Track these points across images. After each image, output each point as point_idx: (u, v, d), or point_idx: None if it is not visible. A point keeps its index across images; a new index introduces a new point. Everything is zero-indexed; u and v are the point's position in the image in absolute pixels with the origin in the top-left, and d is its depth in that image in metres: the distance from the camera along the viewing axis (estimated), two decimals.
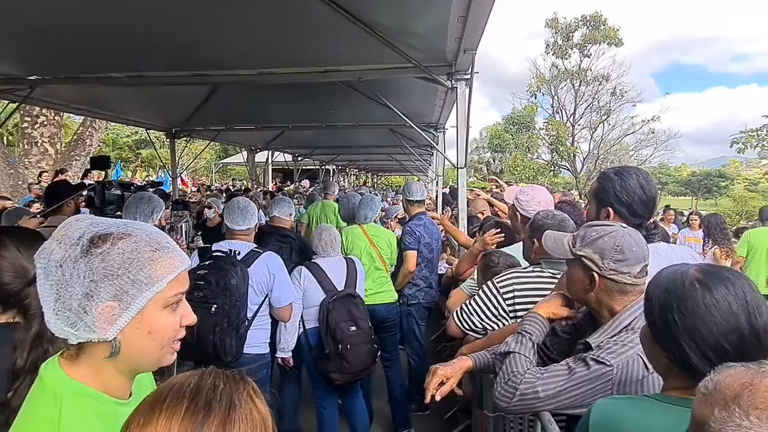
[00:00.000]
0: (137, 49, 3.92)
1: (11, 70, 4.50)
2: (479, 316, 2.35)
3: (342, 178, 25.10)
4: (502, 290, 2.33)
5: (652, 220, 1.97)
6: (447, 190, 9.51)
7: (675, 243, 6.80)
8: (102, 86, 4.98)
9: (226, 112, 7.10)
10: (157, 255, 0.99)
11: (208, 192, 12.90)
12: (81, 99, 6.03)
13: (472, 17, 2.96)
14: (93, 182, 5.22)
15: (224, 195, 11.42)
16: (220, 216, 6.38)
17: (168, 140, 8.33)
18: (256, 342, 3.16)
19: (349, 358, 3.41)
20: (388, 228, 5.87)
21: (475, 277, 3.04)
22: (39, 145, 11.46)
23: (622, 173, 2.01)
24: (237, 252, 3.11)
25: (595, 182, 2.09)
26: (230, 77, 4.60)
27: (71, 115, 12.17)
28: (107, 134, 28.53)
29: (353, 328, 3.46)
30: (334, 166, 21.58)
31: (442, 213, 5.42)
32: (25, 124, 11.48)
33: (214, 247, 3.20)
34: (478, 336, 2.37)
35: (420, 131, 5.67)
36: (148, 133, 9.12)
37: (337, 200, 6.75)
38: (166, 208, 3.67)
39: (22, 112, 10.75)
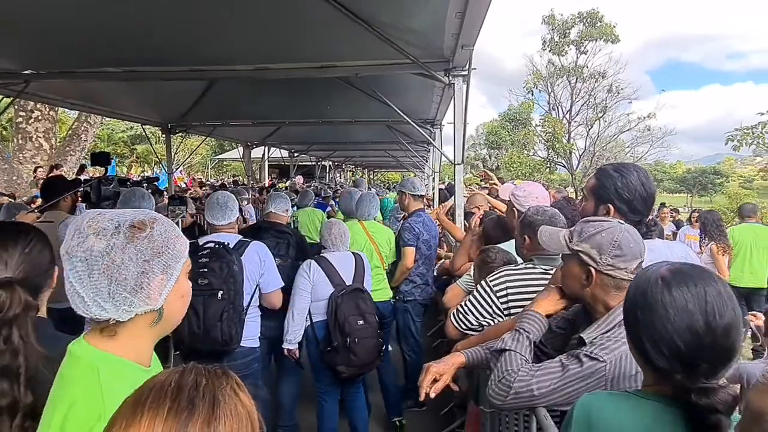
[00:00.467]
0: (133, 44, 3.90)
1: (6, 65, 4.47)
2: (474, 316, 2.36)
3: (338, 174, 25.07)
4: (495, 288, 2.34)
5: (650, 217, 1.98)
6: (443, 187, 9.51)
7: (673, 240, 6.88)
8: (98, 81, 4.95)
9: (223, 107, 7.07)
10: (178, 232, 1.18)
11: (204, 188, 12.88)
12: (76, 94, 6.00)
13: (470, 13, 2.96)
14: (89, 177, 5.21)
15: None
16: (192, 216, 6.38)
17: (163, 136, 8.29)
18: (249, 335, 3.20)
19: (356, 351, 3.45)
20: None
21: (471, 272, 3.05)
22: (34, 140, 11.41)
23: (622, 170, 2.01)
24: (227, 243, 3.15)
25: (593, 179, 2.08)
26: (227, 73, 4.58)
27: (66, 110, 12.11)
28: (102, 129, 28.41)
29: (361, 322, 3.50)
30: (331, 162, 21.54)
31: (438, 207, 5.41)
32: (20, 119, 11.43)
33: (203, 240, 3.22)
34: (477, 332, 2.38)
35: (417, 127, 5.66)
36: (143, 129, 9.07)
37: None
38: (158, 204, 3.67)
39: (16, 106, 10.70)
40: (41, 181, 7.44)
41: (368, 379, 4.27)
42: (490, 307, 2.34)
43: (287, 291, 3.58)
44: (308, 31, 3.67)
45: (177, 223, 5.25)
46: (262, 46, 4.00)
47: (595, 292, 1.61)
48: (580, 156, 34.87)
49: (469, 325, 2.38)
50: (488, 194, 5.64)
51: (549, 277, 2.27)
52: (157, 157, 13.34)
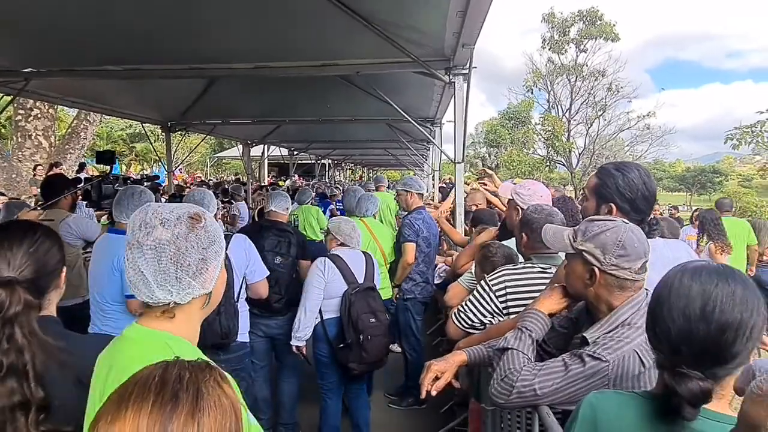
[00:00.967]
0: (134, 43, 3.89)
1: (6, 63, 4.47)
2: (475, 314, 2.37)
3: (338, 173, 25.06)
4: (494, 288, 2.35)
5: (652, 216, 1.97)
6: (444, 185, 9.52)
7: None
8: (97, 79, 4.94)
9: (223, 105, 7.06)
10: (218, 224, 1.31)
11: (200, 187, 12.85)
12: (76, 92, 5.99)
13: (471, 12, 2.96)
14: (89, 176, 5.20)
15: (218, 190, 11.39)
16: None
17: (163, 134, 8.28)
18: (241, 329, 3.22)
19: (368, 348, 3.48)
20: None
21: (473, 270, 3.06)
22: (33, 138, 11.38)
23: (624, 169, 2.00)
24: None
25: (594, 178, 2.07)
26: (227, 71, 4.57)
27: (65, 108, 12.09)
28: (101, 127, 28.37)
29: (373, 320, 3.52)
30: (330, 161, 21.53)
31: (439, 209, 5.43)
32: (19, 117, 11.40)
33: None
34: (478, 330, 2.39)
35: (417, 126, 5.67)
36: (143, 127, 9.06)
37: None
38: (157, 202, 3.66)
39: (15, 104, 10.67)
40: (40, 179, 7.43)
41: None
42: (490, 305, 2.34)
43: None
44: (308, 30, 3.67)
45: None
46: (262, 44, 4.00)
47: (599, 292, 1.61)
48: (580, 154, 34.88)
49: (471, 324, 2.38)
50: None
51: (548, 275, 2.27)
52: (157, 155, 13.34)
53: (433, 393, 1.90)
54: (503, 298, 2.33)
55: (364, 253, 3.83)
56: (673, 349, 1.15)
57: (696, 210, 9.07)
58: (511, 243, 2.94)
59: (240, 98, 6.63)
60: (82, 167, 11.84)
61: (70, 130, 12.78)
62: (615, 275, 1.57)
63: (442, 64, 4.10)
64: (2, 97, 5.43)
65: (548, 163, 36.64)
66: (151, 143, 12.05)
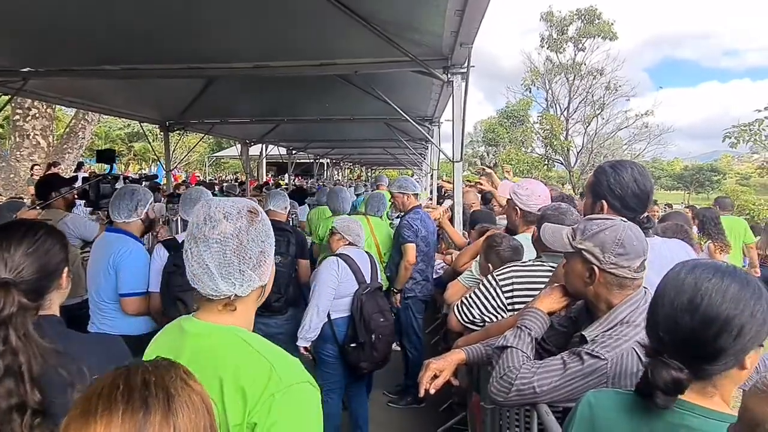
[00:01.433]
0: (132, 42, 3.89)
1: (4, 62, 4.46)
2: (479, 309, 2.37)
3: (336, 172, 25.06)
4: (501, 283, 2.35)
5: (645, 214, 1.98)
6: (441, 183, 9.52)
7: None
8: (96, 79, 4.93)
9: (221, 105, 7.05)
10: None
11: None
12: (74, 91, 5.98)
13: (469, 11, 2.96)
14: (86, 175, 5.19)
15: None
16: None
17: (161, 133, 8.27)
18: None
19: (378, 347, 3.50)
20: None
21: (473, 270, 3.06)
22: (31, 137, 11.37)
23: (617, 167, 2.03)
24: None
25: (591, 176, 2.10)
26: (225, 70, 4.57)
27: (63, 107, 12.07)
28: (100, 127, 28.33)
29: (382, 320, 3.54)
30: (329, 160, 21.52)
31: (439, 208, 5.44)
32: (17, 117, 11.39)
33: (182, 237, 3.22)
34: (477, 328, 2.39)
35: (415, 125, 5.67)
36: (141, 126, 9.05)
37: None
38: (156, 201, 3.66)
39: (13, 104, 10.66)
40: (38, 179, 7.42)
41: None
42: (495, 300, 2.35)
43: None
44: (307, 29, 3.67)
45: (177, 221, 5.29)
46: (261, 43, 3.99)
47: (598, 291, 1.61)
48: (578, 153, 34.94)
49: (472, 318, 2.39)
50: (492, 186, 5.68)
51: None
52: (155, 154, 13.32)
53: (432, 391, 1.91)
54: (509, 294, 2.34)
55: (367, 252, 3.84)
56: (658, 337, 1.16)
57: (688, 208, 9.03)
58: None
59: (238, 97, 6.62)
60: (80, 167, 11.83)
61: (68, 129, 12.76)
62: (614, 274, 1.57)
63: (440, 63, 4.10)
64: (0, 96, 5.41)
65: (546, 162, 36.67)
66: (149, 142, 12.03)
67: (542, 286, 2.18)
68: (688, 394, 1.13)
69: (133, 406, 0.74)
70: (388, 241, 4.79)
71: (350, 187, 14.30)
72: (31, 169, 10.51)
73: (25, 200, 7.37)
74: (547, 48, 34.86)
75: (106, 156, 4.75)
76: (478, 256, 3.04)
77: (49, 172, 8.91)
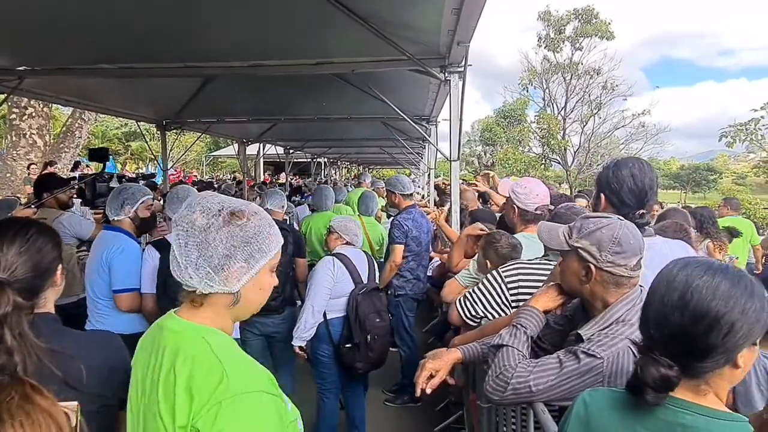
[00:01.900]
0: (129, 41, 3.87)
1: (0, 61, 4.44)
2: (482, 305, 2.37)
3: (334, 171, 25.03)
4: (507, 280, 2.35)
5: (641, 211, 1.99)
6: (438, 181, 9.52)
7: None
8: (92, 78, 4.92)
9: (218, 104, 7.03)
10: (272, 231, 1.29)
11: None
12: (71, 90, 5.95)
13: (466, 10, 2.95)
14: (83, 174, 5.17)
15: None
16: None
17: (158, 132, 8.25)
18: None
19: (374, 348, 3.49)
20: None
21: (470, 268, 3.06)
22: (27, 137, 11.34)
23: (619, 162, 2.07)
24: None
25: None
26: (222, 69, 4.56)
27: (60, 106, 12.04)
28: (96, 126, 28.25)
29: (378, 320, 3.53)
30: (326, 159, 21.50)
31: (437, 209, 5.46)
32: (13, 116, 11.35)
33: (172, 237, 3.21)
34: (476, 324, 2.40)
35: (412, 124, 5.66)
36: (138, 125, 9.02)
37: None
38: (154, 199, 3.65)
39: (9, 103, 10.63)
40: (35, 178, 7.40)
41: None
42: (499, 297, 2.35)
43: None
44: (304, 28, 3.66)
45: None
46: (258, 42, 3.98)
47: (594, 289, 1.61)
48: (575, 152, 34.95)
49: (474, 314, 2.39)
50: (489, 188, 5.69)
51: None
52: (152, 154, 13.29)
53: (428, 391, 1.91)
54: (515, 291, 2.34)
55: (365, 252, 3.83)
56: (649, 334, 1.16)
57: (685, 208, 9.01)
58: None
59: (235, 97, 6.61)
60: (76, 166, 11.79)
61: (64, 128, 12.72)
62: (611, 272, 1.57)
63: (438, 61, 4.10)
64: None
65: (543, 161, 36.69)
66: (146, 142, 12.01)
67: None
68: (682, 392, 1.13)
69: None
70: (381, 240, 4.82)
71: (345, 186, 14.31)
72: (28, 168, 10.48)
73: (21, 199, 7.35)
74: (545, 47, 34.88)
75: (99, 154, 4.72)
76: (476, 255, 3.04)
77: (46, 171, 8.89)
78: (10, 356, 1.18)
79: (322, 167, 22.25)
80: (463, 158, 33.08)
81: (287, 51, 4.17)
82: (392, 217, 5.05)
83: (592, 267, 1.58)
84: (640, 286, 1.62)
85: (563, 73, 34.76)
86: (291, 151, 14.82)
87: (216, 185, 13.46)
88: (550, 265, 2.35)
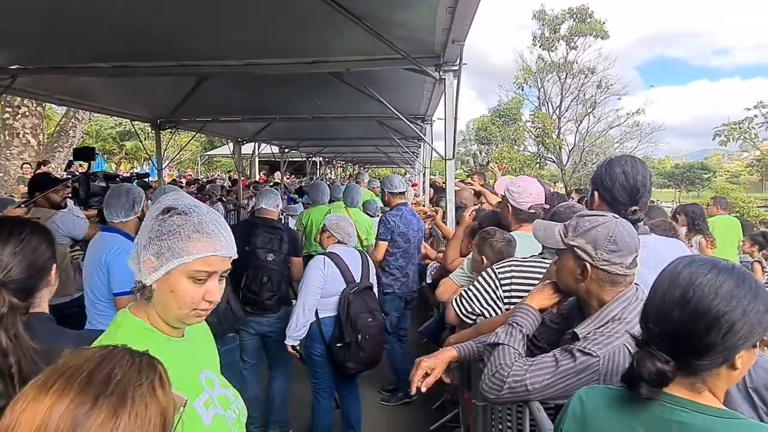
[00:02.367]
0: (122, 39, 3.85)
1: None
2: (478, 302, 2.38)
3: (329, 170, 25.01)
4: (501, 277, 2.36)
5: (633, 208, 1.99)
6: (434, 184, 9.53)
7: None
8: (86, 76, 4.89)
9: (213, 103, 7.01)
10: (195, 236, 1.22)
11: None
12: (64, 89, 5.92)
13: (460, 8, 2.96)
14: (77, 174, 5.13)
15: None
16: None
17: (153, 132, 8.21)
18: None
19: (365, 348, 3.48)
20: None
21: (465, 267, 3.07)
22: (21, 136, 11.27)
23: (612, 160, 2.09)
24: None
25: None
26: (217, 68, 4.55)
27: (53, 105, 11.98)
28: (91, 125, 28.11)
29: (370, 320, 3.53)
30: (321, 158, 21.47)
31: (433, 210, 5.48)
32: (6, 115, 11.28)
33: None
34: (472, 321, 2.40)
35: (408, 123, 5.66)
36: (132, 125, 8.98)
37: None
38: (147, 199, 3.64)
39: (3, 102, 10.57)
40: (28, 177, 7.36)
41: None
42: (494, 292, 2.36)
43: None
44: (299, 27, 3.65)
45: None
46: (253, 41, 3.97)
47: (590, 287, 1.61)
48: (570, 151, 35.05)
49: (470, 311, 2.40)
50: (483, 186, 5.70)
51: None
52: (147, 153, 13.25)
53: (423, 389, 1.91)
54: (508, 287, 2.35)
55: (359, 251, 3.83)
56: (648, 328, 1.17)
57: (677, 208, 9.00)
58: None
59: (230, 96, 6.59)
60: (69, 165, 11.73)
61: (58, 128, 12.67)
62: (606, 270, 1.57)
63: (432, 60, 4.10)
64: None
65: (539, 160, 36.76)
66: (140, 141, 11.95)
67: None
68: (677, 389, 1.13)
69: (82, 398, 0.73)
70: (369, 230, 5.02)
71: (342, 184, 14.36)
72: (21, 167, 10.42)
73: (16, 199, 7.30)
74: (540, 46, 34.93)
75: (85, 154, 4.68)
76: (471, 253, 3.04)
77: (39, 171, 8.84)
78: (5, 357, 1.18)
79: (318, 166, 22.23)
80: (458, 157, 33.13)
81: (282, 50, 4.16)
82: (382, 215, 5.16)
83: (588, 265, 1.58)
84: (636, 284, 1.63)
85: (558, 72, 34.83)
86: (286, 150, 14.80)
87: (205, 182, 13.43)
88: (544, 262, 2.36)
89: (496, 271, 2.39)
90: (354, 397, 3.85)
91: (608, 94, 34.30)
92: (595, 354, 1.50)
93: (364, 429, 3.89)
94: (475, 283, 2.43)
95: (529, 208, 2.91)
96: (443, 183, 8.42)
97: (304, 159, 18.24)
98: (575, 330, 1.63)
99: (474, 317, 2.41)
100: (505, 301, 2.34)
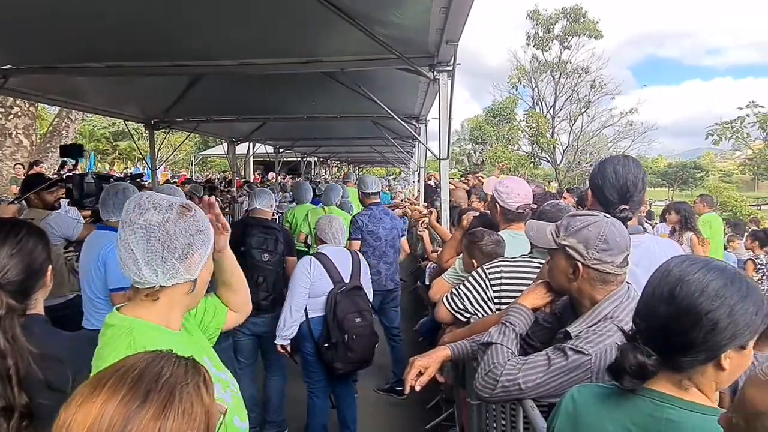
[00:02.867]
0: (116, 39, 3.84)
1: None
2: (469, 300, 2.39)
3: (324, 170, 24.99)
4: (491, 277, 2.37)
5: (623, 206, 2.01)
6: (430, 182, 9.53)
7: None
8: (79, 76, 4.87)
9: (207, 103, 7.00)
10: (209, 221, 1.37)
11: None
12: (57, 89, 5.89)
13: (454, 9, 2.97)
14: (69, 173, 5.11)
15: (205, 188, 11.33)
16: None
17: (147, 132, 8.18)
18: None
19: (353, 348, 3.48)
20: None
21: (457, 267, 3.08)
22: (13, 136, 11.18)
23: (606, 159, 2.12)
24: None
25: None
26: (211, 68, 4.54)
27: (46, 106, 11.91)
28: (83, 125, 27.97)
29: (359, 320, 3.53)
30: (316, 158, 21.46)
31: (428, 212, 5.50)
32: None
33: None
34: (466, 317, 2.41)
35: (402, 123, 5.67)
36: (126, 125, 8.94)
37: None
38: None
39: None
40: (21, 178, 7.33)
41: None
42: (484, 292, 2.37)
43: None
44: (293, 27, 3.66)
45: None
46: (247, 41, 3.97)
47: (582, 287, 1.63)
48: (564, 151, 35.20)
49: (460, 308, 2.41)
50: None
51: None
52: (141, 153, 13.20)
53: (417, 388, 1.92)
54: (497, 288, 2.36)
55: (351, 251, 3.83)
56: (636, 323, 1.19)
57: (667, 207, 8.96)
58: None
59: (224, 95, 6.57)
60: (62, 166, 11.67)
61: (51, 128, 12.59)
62: (598, 269, 1.59)
63: (427, 60, 4.11)
64: None
65: (533, 160, 36.88)
66: (134, 141, 11.90)
67: (531, 281, 2.20)
68: (666, 386, 1.14)
69: (134, 394, 0.77)
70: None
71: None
72: (14, 168, 10.35)
73: (9, 199, 7.26)
74: (533, 46, 35.06)
75: (73, 151, 4.65)
76: (461, 254, 3.06)
77: (32, 171, 8.79)
78: (3, 359, 1.18)
79: (312, 166, 22.21)
80: (452, 157, 33.15)
81: (277, 49, 4.16)
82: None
83: (580, 265, 1.60)
84: (628, 282, 1.64)
85: (552, 71, 34.98)
86: (281, 150, 14.78)
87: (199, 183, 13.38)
88: (533, 262, 2.38)
89: (486, 271, 2.40)
90: (350, 397, 3.85)
91: (602, 94, 34.54)
92: (587, 352, 1.52)
93: (360, 428, 3.90)
94: (466, 283, 2.45)
95: (517, 208, 2.95)
96: (435, 179, 8.46)
97: (298, 159, 18.22)
98: (568, 329, 1.64)
99: (468, 315, 2.42)
100: (495, 301, 2.36)
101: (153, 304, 1.29)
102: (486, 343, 1.72)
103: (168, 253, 1.25)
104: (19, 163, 10.46)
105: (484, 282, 2.38)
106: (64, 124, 12.18)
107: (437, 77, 4.16)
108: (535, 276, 2.26)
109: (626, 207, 1.99)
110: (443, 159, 4.39)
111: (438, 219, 4.66)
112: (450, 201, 4.79)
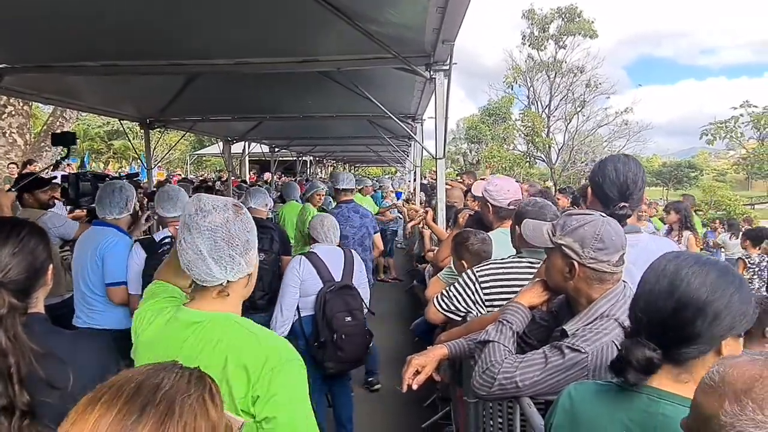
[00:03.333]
0: (111, 38, 3.83)
1: None
2: (458, 301, 2.40)
3: (320, 169, 24.97)
4: (481, 280, 2.38)
5: (622, 204, 2.03)
6: (425, 182, 9.56)
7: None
8: (74, 75, 4.85)
9: (202, 102, 6.98)
10: None
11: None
12: (52, 88, 5.86)
13: (451, 8, 2.97)
14: (65, 173, 5.07)
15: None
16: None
17: (141, 131, 8.15)
18: None
19: (344, 347, 3.47)
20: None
21: (452, 265, 3.09)
22: (7, 135, 11.14)
23: (607, 158, 2.15)
24: None
25: None
26: (207, 67, 4.53)
27: (40, 104, 11.85)
28: (78, 125, 27.84)
29: (349, 319, 3.51)
30: (312, 157, 21.43)
31: (425, 212, 5.50)
32: None
33: (160, 235, 3.22)
34: (458, 317, 2.42)
35: (398, 122, 5.67)
36: (121, 124, 8.90)
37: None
38: (138, 200, 3.66)
39: None
40: (14, 177, 7.29)
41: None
42: (475, 294, 2.38)
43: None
44: (290, 26, 3.65)
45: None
46: (243, 40, 3.96)
47: (578, 285, 1.64)
48: (559, 150, 35.25)
49: (450, 308, 2.42)
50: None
51: (535, 270, 2.32)
52: (136, 152, 13.15)
53: (414, 387, 1.93)
54: (488, 290, 2.37)
55: (344, 249, 3.83)
56: (637, 318, 1.20)
57: (667, 206, 8.94)
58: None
59: (220, 95, 6.56)
60: (57, 165, 11.61)
61: (45, 127, 12.53)
62: (594, 268, 1.60)
63: (423, 60, 4.11)
64: None
65: (528, 159, 36.95)
66: (129, 140, 11.84)
67: (521, 281, 2.22)
68: (663, 382, 1.16)
69: (129, 409, 0.73)
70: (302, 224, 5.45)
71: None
72: (7, 167, 10.30)
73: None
74: (529, 45, 35.10)
75: (64, 139, 4.60)
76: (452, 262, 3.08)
77: (26, 170, 8.74)
78: (5, 358, 1.18)
79: (308, 165, 22.18)
80: (448, 156, 33.15)
81: (273, 49, 4.15)
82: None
83: (576, 263, 1.61)
84: (624, 281, 1.65)
85: (547, 71, 35.03)
86: (277, 149, 14.76)
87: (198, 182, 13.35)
88: (522, 263, 2.39)
89: (477, 274, 2.41)
90: (346, 397, 3.85)
91: (597, 93, 34.60)
92: (583, 350, 1.53)
93: (356, 427, 3.90)
94: (456, 284, 2.45)
95: (509, 205, 2.98)
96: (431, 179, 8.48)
97: (294, 158, 18.19)
98: (564, 327, 1.65)
99: (461, 314, 2.43)
100: (487, 303, 2.37)
101: (225, 300, 1.38)
102: (483, 341, 1.73)
103: (232, 250, 1.34)
104: (13, 163, 10.41)
105: (474, 285, 2.39)
106: (58, 123, 12.13)
107: (434, 76, 4.16)
108: (524, 276, 2.28)
109: (626, 204, 2.01)
110: (439, 158, 4.40)
111: (434, 219, 4.67)
112: (447, 201, 4.80)
